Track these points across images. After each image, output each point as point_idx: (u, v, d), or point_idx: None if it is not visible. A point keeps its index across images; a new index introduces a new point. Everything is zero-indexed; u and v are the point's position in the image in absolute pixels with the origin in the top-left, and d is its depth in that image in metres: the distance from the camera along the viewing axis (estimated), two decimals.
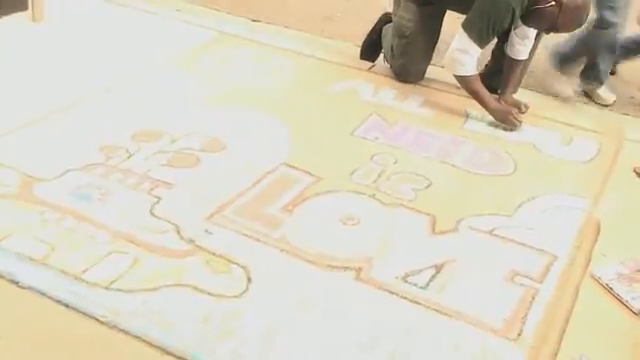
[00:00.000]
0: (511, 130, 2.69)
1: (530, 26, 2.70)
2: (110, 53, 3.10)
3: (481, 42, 2.65)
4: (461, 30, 2.68)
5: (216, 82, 2.93)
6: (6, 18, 3.25)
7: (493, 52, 3.00)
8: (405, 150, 2.51)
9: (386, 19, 3.10)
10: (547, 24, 2.61)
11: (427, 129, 2.66)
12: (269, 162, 2.36)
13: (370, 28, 3.24)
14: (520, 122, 2.72)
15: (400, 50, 2.96)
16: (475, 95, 2.75)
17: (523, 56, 2.85)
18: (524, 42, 2.78)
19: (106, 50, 3.12)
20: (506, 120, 2.72)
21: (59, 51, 3.08)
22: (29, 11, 3.27)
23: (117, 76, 2.89)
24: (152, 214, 2.07)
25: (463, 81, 2.74)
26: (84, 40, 3.20)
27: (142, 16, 3.53)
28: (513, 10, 2.58)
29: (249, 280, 1.85)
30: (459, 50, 2.66)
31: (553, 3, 2.53)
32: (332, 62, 3.19)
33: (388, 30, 3.06)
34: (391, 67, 3.07)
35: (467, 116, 2.78)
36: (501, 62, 2.91)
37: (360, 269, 1.92)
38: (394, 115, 2.75)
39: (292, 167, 2.35)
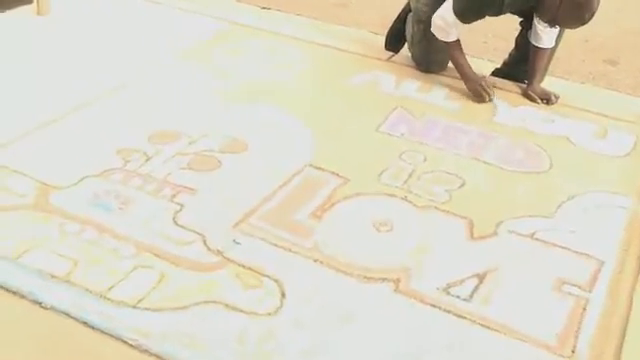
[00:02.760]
0: (479, 102, 2.66)
1: (535, 16, 2.63)
2: (118, 47, 2.98)
3: (463, 19, 2.62)
4: (450, 1, 2.62)
5: (230, 77, 2.81)
6: (10, 12, 3.13)
7: (516, 40, 2.89)
8: (434, 147, 2.41)
9: (410, 6, 2.98)
10: (548, 15, 2.53)
11: (455, 123, 2.55)
12: (293, 163, 2.26)
13: (384, 14, 3.12)
14: (490, 96, 2.67)
15: (419, 37, 2.84)
16: (454, 61, 2.74)
17: (548, 44, 2.74)
18: (548, 30, 2.67)
19: (114, 44, 3.00)
20: (475, 91, 2.68)
21: (66, 46, 2.95)
22: (34, 4, 3.14)
23: (127, 72, 2.77)
24: (176, 223, 1.97)
25: (445, 45, 2.71)
26: (91, 34, 3.08)
27: (148, 6, 3.40)
28: (501, 0, 2.51)
29: (283, 295, 1.75)
30: (443, 20, 2.64)
31: None
32: (349, 52, 3.07)
33: (411, 17, 2.94)
34: (412, 56, 2.98)
35: (495, 107, 2.68)
36: (525, 51, 2.80)
37: (398, 280, 1.82)
38: (419, 108, 2.64)
39: (318, 168, 2.24)
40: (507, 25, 3.01)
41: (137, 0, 3.42)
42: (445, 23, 2.66)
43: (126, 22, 3.23)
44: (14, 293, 1.70)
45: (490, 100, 2.70)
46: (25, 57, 2.85)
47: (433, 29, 2.71)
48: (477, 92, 2.71)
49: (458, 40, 2.71)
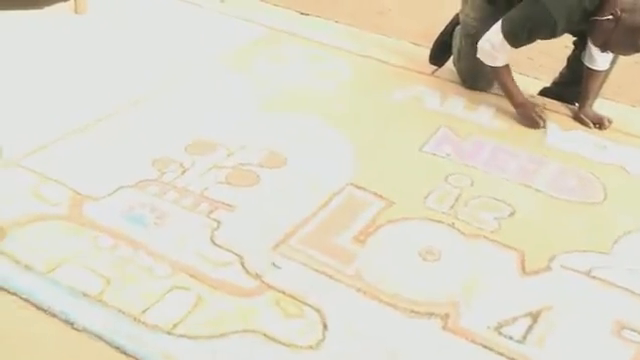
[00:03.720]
0: (534, 128, 2.52)
1: (588, 39, 2.50)
2: (155, 50, 2.90)
3: (513, 43, 2.48)
4: (500, 23, 2.48)
5: (269, 85, 2.72)
6: (48, 9, 3.08)
7: (569, 60, 2.77)
8: (481, 170, 2.30)
9: (458, 19, 2.85)
10: (601, 39, 2.40)
11: (503, 145, 2.43)
12: (334, 181, 2.16)
13: (425, 24, 3.02)
14: (544, 122, 2.54)
15: (466, 51, 2.72)
16: (503, 87, 2.61)
17: (603, 66, 2.61)
18: (603, 52, 2.55)
19: (150, 47, 2.92)
20: (528, 118, 2.55)
21: (101, 47, 2.88)
22: (71, 1, 3.08)
23: (164, 77, 2.69)
24: (213, 242, 1.89)
25: (493, 71, 2.59)
26: (127, 36, 3.00)
27: (186, 8, 3.32)
28: (555, 23, 2.37)
29: (325, 326, 1.65)
30: (491, 43, 2.50)
31: (610, 17, 2.32)
32: (390, 64, 2.96)
33: (459, 31, 2.84)
34: (457, 71, 2.87)
35: (545, 130, 2.56)
36: (577, 72, 2.67)
37: (447, 316, 1.72)
38: (465, 128, 2.53)
39: (360, 188, 2.14)
40: (554, 41, 2.89)
41: (174, 1, 3.36)
42: (492, 47, 2.52)
43: (163, 24, 3.16)
44: (45, 311, 1.62)
45: (544, 127, 2.54)
46: (60, 57, 2.78)
47: (479, 54, 2.57)
48: (530, 119, 2.56)
49: (507, 65, 2.57)
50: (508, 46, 2.52)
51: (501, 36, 2.50)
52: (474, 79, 2.78)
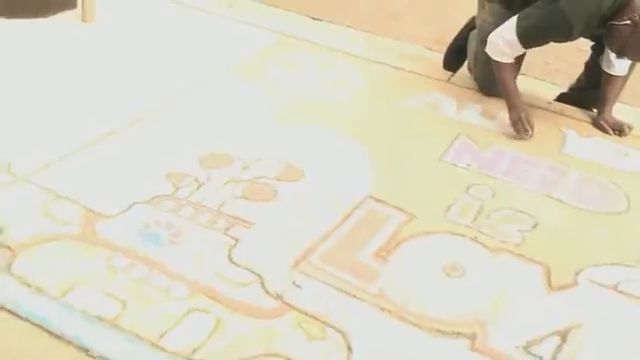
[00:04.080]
0: (519, 136, 2.45)
1: (605, 44, 2.45)
2: (164, 59, 2.84)
3: (525, 43, 2.43)
4: (515, 19, 2.43)
5: (282, 94, 2.66)
6: (53, 17, 3.02)
7: (587, 65, 2.72)
8: (502, 180, 2.24)
9: (474, 24, 2.80)
10: (618, 44, 2.35)
11: (522, 154, 2.38)
12: (353, 194, 2.11)
13: (438, 28, 2.97)
14: (528, 133, 2.44)
15: (483, 57, 2.65)
16: (502, 84, 2.53)
17: (621, 72, 2.56)
18: (619, 58, 2.47)
19: (159, 56, 2.86)
20: (514, 123, 2.47)
21: (109, 57, 2.82)
22: (78, 9, 3.02)
23: (175, 87, 2.63)
24: (231, 260, 1.83)
25: (496, 66, 2.51)
26: (136, 45, 2.94)
27: (195, 15, 3.25)
28: (571, 28, 2.33)
29: (349, 349, 1.60)
30: (502, 39, 2.44)
31: (628, 22, 2.27)
32: (405, 70, 2.91)
33: (474, 36, 2.78)
34: (474, 78, 2.81)
35: (564, 137, 2.52)
36: (595, 78, 2.62)
37: (474, 336, 1.67)
38: (484, 136, 2.47)
39: (380, 201, 2.09)
40: (569, 45, 2.83)
41: (182, 8, 3.30)
42: (503, 41, 2.46)
43: (172, 32, 3.09)
44: (58, 337, 1.57)
45: (530, 136, 2.45)
46: (67, 68, 2.72)
47: (488, 46, 2.52)
48: (516, 125, 2.48)
49: (512, 64, 2.51)
50: (519, 45, 2.46)
51: (514, 34, 2.44)
52: (491, 85, 2.71)
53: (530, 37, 2.44)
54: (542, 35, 2.44)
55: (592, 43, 2.66)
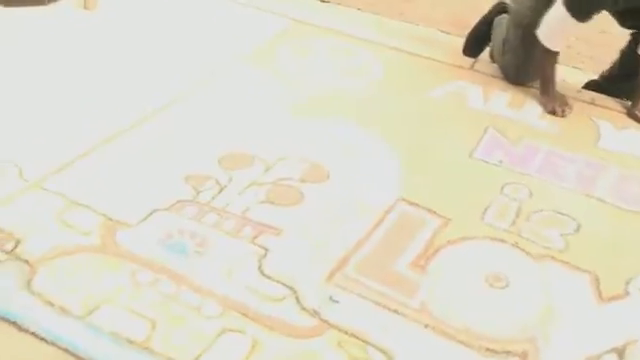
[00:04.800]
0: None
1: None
2: (171, 49, 2.70)
3: (577, 13, 2.28)
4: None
5: (299, 85, 2.53)
6: (55, 6, 2.85)
7: (622, 53, 2.59)
8: (538, 178, 2.14)
9: (499, 9, 2.67)
10: None
11: (556, 149, 2.27)
12: (383, 197, 2.00)
13: (453, 10, 2.84)
14: (563, 115, 2.40)
15: (515, 43, 2.52)
16: (544, 73, 2.44)
17: None
18: None
19: (167, 46, 2.72)
20: (549, 110, 2.41)
21: (115, 48, 2.68)
22: None
23: (186, 80, 2.50)
24: (262, 273, 1.72)
25: (544, 54, 2.40)
26: (141, 34, 2.80)
27: (201, 1, 3.10)
28: None
29: None
30: (554, 18, 2.32)
31: None
32: (422, 56, 2.78)
33: (501, 21, 2.63)
34: (501, 66, 2.67)
35: (598, 129, 2.41)
36: (630, 67, 2.51)
37: (525, 354, 1.57)
38: (514, 130, 2.36)
39: (412, 204, 1.98)
40: (591, 27, 2.70)
41: None
42: (555, 21, 2.33)
43: (178, 19, 2.94)
44: None
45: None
46: (70, 61, 2.57)
47: (540, 32, 2.38)
48: (551, 112, 2.42)
49: (558, 53, 2.41)
50: (571, 20, 2.30)
51: (563, 7, 2.30)
52: (518, 74, 2.58)
53: (580, 5, 2.28)
54: (591, 2, 2.29)
55: (631, 31, 2.53)
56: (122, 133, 2.21)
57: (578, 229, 1.96)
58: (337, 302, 1.67)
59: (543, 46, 2.42)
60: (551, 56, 2.44)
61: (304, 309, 1.64)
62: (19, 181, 1.97)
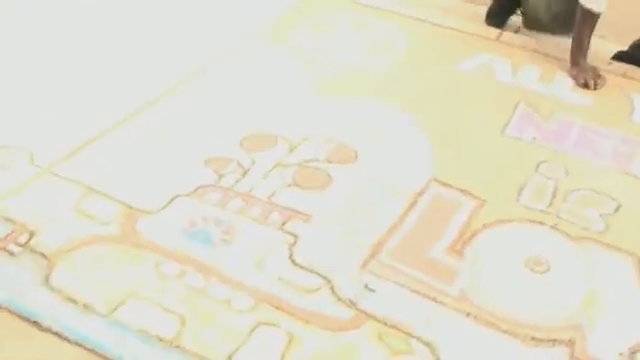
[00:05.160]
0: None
1: None
2: (186, 27, 2.57)
3: None
4: None
5: (318, 61, 2.42)
6: None
7: None
8: (573, 155, 2.05)
9: None
10: None
11: (590, 124, 2.18)
12: (414, 178, 1.91)
13: None
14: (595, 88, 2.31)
15: None
16: (578, 38, 2.33)
17: None
18: None
19: (180, 23, 2.59)
20: (581, 82, 2.31)
21: (127, 26, 2.55)
22: None
23: (201, 58, 2.38)
24: (293, 262, 1.64)
25: (582, 17, 2.29)
26: (155, 10, 2.66)
27: None
28: None
29: None
30: None
31: None
32: (446, 27, 2.66)
33: None
34: (528, 11, 2.56)
35: (632, 103, 2.29)
36: None
37: (572, 342, 1.50)
38: (546, 104, 2.26)
39: (445, 185, 1.89)
40: None
41: None
42: None
43: None
44: None
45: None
46: (78, 40, 2.45)
47: None
48: (583, 85, 2.33)
49: (599, 16, 2.30)
50: None
51: None
52: (549, 19, 2.52)
53: None
54: None
55: None
56: (135, 115, 2.10)
57: (617, 209, 1.87)
58: (373, 291, 1.60)
59: (582, 8, 2.29)
60: (591, 19, 2.31)
61: (340, 300, 1.56)
62: (30, 167, 1.87)
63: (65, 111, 2.10)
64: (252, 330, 1.48)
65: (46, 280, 1.55)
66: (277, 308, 1.53)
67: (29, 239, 1.65)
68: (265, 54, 2.47)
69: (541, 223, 1.80)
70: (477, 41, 2.58)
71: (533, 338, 1.51)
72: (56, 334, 1.44)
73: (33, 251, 1.62)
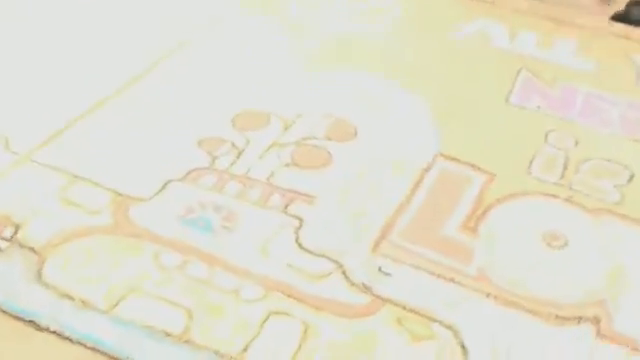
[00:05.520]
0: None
1: None
2: (167, 2, 2.48)
3: None
4: None
5: (311, 33, 2.30)
6: None
7: None
8: (580, 124, 1.98)
9: None
10: None
11: (595, 90, 2.11)
12: (420, 152, 1.82)
13: None
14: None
15: None
16: None
17: None
18: None
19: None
20: None
21: (104, 5, 2.38)
22: None
23: (184, 30, 2.24)
24: (300, 246, 1.56)
25: None
26: None
27: None
28: None
29: (463, 348, 1.40)
30: None
31: None
32: None
33: None
34: None
35: (636, 67, 2.25)
36: None
37: (597, 320, 1.44)
38: (547, 70, 2.18)
39: (452, 159, 1.82)
40: None
41: None
42: None
43: None
44: None
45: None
46: (59, 19, 2.28)
47: None
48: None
49: None
50: None
51: None
52: None
53: None
54: None
55: None
56: (117, 94, 1.96)
57: (631, 178, 1.81)
58: (389, 274, 1.52)
59: None
60: None
61: (353, 285, 1.48)
62: (6, 154, 1.73)
63: (41, 92, 1.95)
64: (264, 320, 1.38)
65: (38, 276, 1.43)
66: (289, 296, 1.44)
67: (15, 232, 1.53)
68: (253, 26, 2.33)
69: (554, 196, 1.73)
70: (471, 5, 2.46)
71: (557, 316, 1.45)
72: (55, 333, 1.33)
73: (21, 245, 1.49)
